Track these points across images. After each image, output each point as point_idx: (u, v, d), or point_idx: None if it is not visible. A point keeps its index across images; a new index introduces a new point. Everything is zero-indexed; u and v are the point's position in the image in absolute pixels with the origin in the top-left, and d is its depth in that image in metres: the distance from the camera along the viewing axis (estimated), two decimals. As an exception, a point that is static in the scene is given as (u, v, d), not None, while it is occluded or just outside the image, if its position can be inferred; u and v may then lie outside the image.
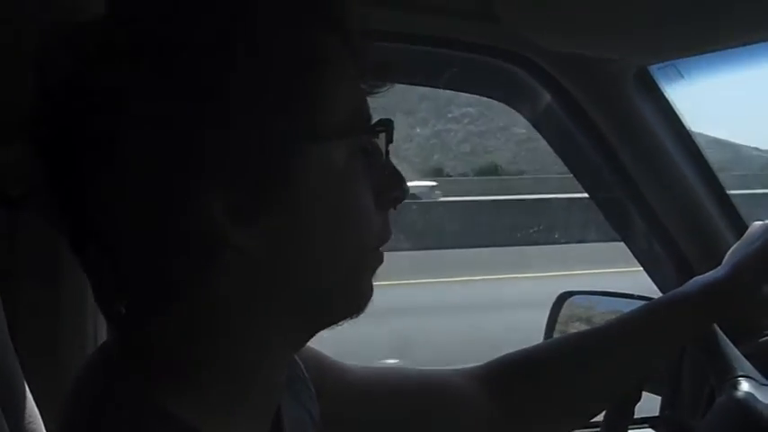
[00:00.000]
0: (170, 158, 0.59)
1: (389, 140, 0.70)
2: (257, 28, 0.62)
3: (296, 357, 0.80)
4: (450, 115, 20.05)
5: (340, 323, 0.71)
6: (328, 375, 0.87)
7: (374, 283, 0.71)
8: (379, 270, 0.71)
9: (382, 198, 0.69)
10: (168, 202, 0.60)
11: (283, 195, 0.63)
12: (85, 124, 0.60)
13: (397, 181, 0.71)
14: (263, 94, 0.61)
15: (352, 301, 0.70)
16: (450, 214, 12.00)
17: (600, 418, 1.13)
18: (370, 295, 0.71)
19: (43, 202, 0.65)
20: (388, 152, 0.70)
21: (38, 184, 0.65)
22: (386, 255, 0.72)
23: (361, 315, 0.71)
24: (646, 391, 1.22)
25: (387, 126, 0.69)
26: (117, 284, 0.65)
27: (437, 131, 19.85)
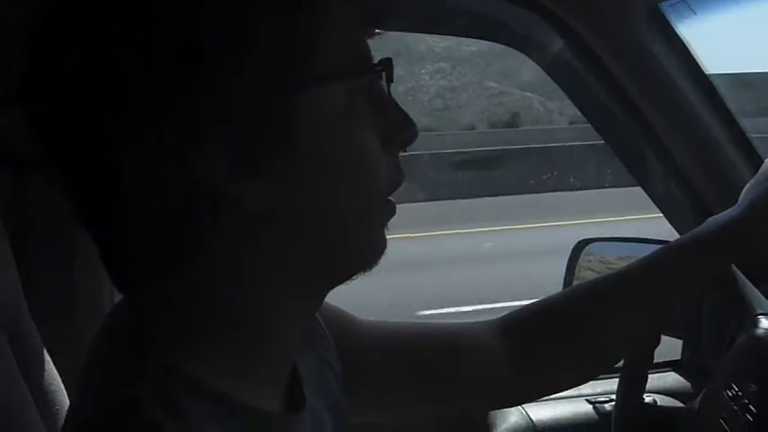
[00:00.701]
0: (167, 118, 0.58)
1: (390, 80, 0.67)
2: None
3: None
4: (422, 71, 19.96)
5: (353, 278, 0.69)
6: (348, 331, 0.86)
7: (395, 236, 0.69)
8: (397, 222, 0.69)
9: (390, 141, 0.67)
10: (170, 163, 0.58)
11: (284, 145, 0.61)
12: (81, 89, 0.59)
13: (404, 122, 0.68)
14: (255, 43, 0.59)
15: (364, 253, 0.68)
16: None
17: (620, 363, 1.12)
18: (384, 247, 0.68)
19: (48, 168, 0.63)
20: (390, 92, 0.68)
21: (40, 150, 0.63)
22: (401, 206, 0.69)
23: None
24: (666, 335, 1.21)
25: (386, 65, 0.67)
26: (124, 251, 0.63)
27: (410, 88, 19.75)
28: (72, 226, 1.17)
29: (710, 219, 0.97)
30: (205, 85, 0.58)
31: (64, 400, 0.98)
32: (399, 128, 0.68)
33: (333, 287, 0.69)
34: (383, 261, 0.69)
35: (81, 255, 1.24)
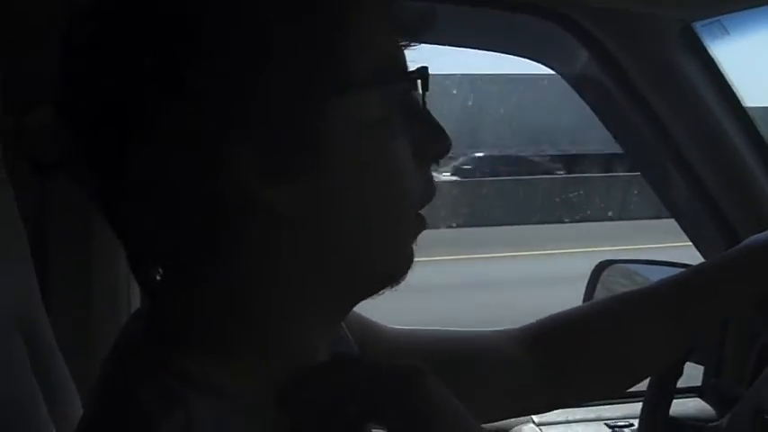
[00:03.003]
0: (199, 120, 0.57)
1: (425, 89, 0.66)
2: None
3: None
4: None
5: (380, 292, 0.67)
6: (369, 334, 0.85)
7: (418, 259, 0.67)
8: (422, 245, 0.68)
9: (422, 153, 0.65)
10: (199, 164, 0.58)
11: (315, 151, 0.60)
12: (115, 92, 0.58)
13: (437, 134, 0.67)
14: (288, 48, 0.58)
15: (391, 267, 0.67)
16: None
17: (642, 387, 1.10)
18: (411, 262, 0.67)
19: (74, 168, 0.63)
20: (425, 103, 0.66)
21: (69, 151, 0.63)
22: (428, 232, 0.68)
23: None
24: (689, 360, 1.19)
25: (422, 74, 0.65)
26: (150, 250, 0.63)
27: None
28: (90, 228, 1.19)
29: (751, 238, 0.94)
30: (237, 87, 0.57)
31: (76, 404, 0.97)
32: (432, 140, 0.67)
33: (358, 300, 0.68)
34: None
35: (98, 258, 1.23)
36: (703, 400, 1.56)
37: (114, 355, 0.67)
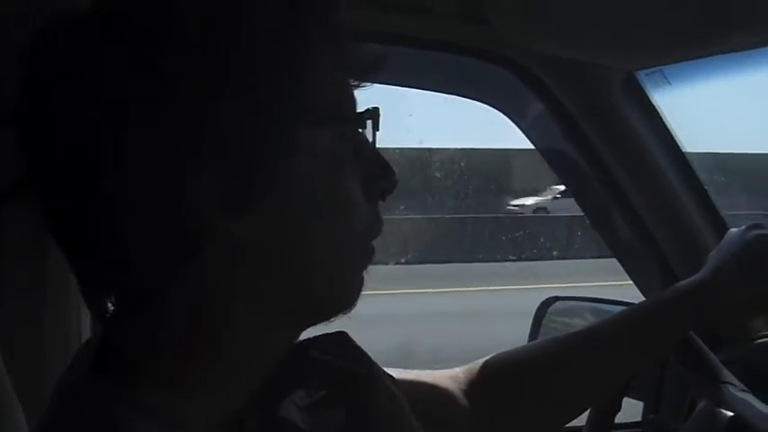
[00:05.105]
0: (157, 148, 0.59)
1: (376, 128, 0.69)
2: (243, 17, 0.61)
3: None
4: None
5: (331, 319, 0.70)
6: None
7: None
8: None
9: (371, 189, 0.68)
10: (156, 191, 0.59)
11: (272, 183, 0.62)
12: (71, 117, 0.60)
13: (385, 171, 0.70)
14: (249, 82, 0.61)
15: (339, 295, 0.69)
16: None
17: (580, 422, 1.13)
18: (360, 290, 0.69)
19: (28, 196, 0.64)
20: (374, 142, 0.69)
21: (23, 178, 0.64)
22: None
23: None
24: (628, 396, 1.22)
25: (373, 114, 0.68)
26: (105, 278, 0.64)
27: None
28: (43, 253, 1.18)
29: (677, 284, 0.98)
30: (195, 118, 0.59)
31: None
32: (380, 176, 0.70)
33: (311, 325, 0.70)
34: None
35: (50, 284, 1.23)
36: (644, 435, 1.59)
37: (63, 385, 0.67)
